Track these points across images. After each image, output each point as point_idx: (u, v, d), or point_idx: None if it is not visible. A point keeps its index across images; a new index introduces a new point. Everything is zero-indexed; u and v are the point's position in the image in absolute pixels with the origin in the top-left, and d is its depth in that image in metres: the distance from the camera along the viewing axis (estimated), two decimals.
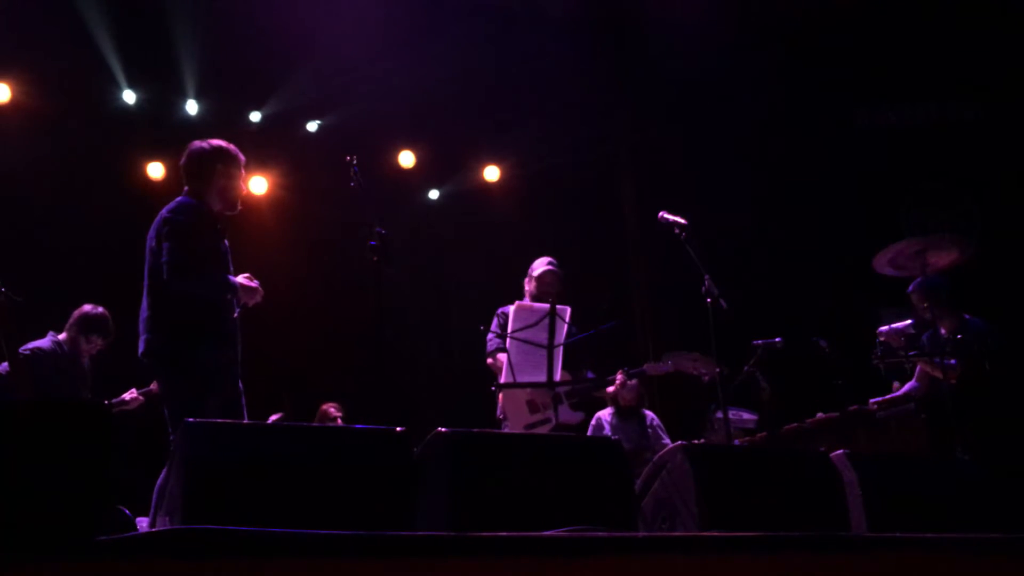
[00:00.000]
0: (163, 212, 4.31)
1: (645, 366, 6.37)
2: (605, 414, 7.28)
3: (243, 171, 4.54)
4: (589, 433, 7.03)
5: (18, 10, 7.53)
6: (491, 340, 5.98)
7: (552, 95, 8.87)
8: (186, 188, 4.45)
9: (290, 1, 8.13)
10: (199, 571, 2.16)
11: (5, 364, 5.44)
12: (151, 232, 4.29)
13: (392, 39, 8.29)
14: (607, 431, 7.11)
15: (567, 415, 5.68)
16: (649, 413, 7.29)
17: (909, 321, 5.61)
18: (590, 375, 5.49)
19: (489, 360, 5.96)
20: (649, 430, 7.13)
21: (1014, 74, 8.91)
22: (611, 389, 5.73)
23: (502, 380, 5.45)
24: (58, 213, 7.82)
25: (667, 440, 7.13)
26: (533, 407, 5.67)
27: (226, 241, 4.48)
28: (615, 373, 6.25)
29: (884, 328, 5.76)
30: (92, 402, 4.72)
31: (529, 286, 6.10)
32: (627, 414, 7.19)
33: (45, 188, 7.79)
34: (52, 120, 7.85)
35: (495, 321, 6.04)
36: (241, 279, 4.30)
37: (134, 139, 8.40)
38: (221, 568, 2.18)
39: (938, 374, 5.45)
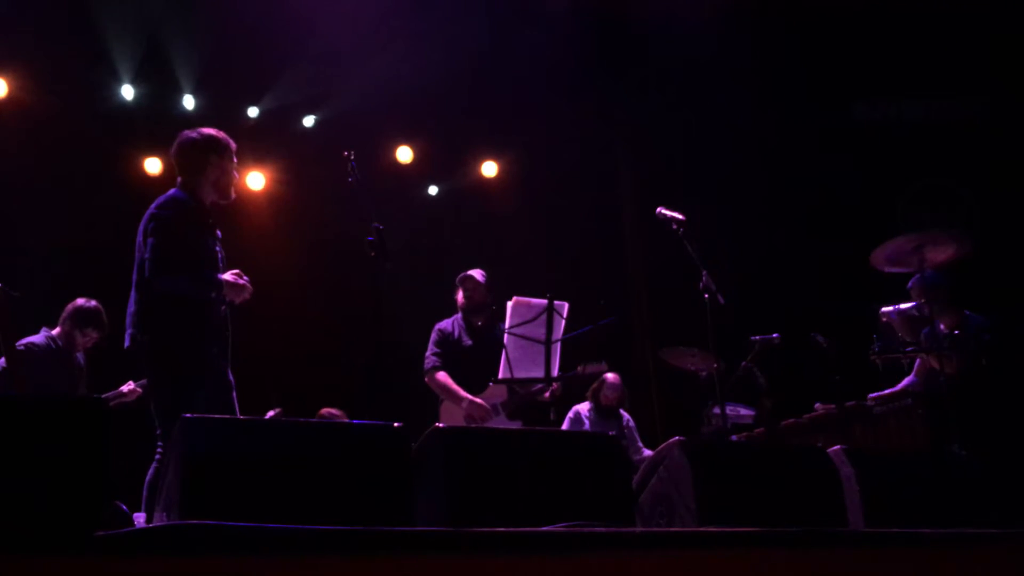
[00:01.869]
0: (151, 207, 4.28)
1: (578, 368, 6.12)
2: (583, 408, 7.27)
3: (235, 158, 4.51)
4: (565, 425, 7.03)
5: (15, 5, 7.51)
6: (428, 358, 5.94)
7: (550, 89, 8.86)
8: (179, 180, 4.43)
9: None
10: (197, 567, 2.16)
11: (2, 360, 5.43)
12: (140, 227, 4.28)
13: (389, 33, 8.28)
14: (586, 426, 7.13)
15: (504, 425, 5.69)
16: (626, 415, 7.31)
17: (913, 303, 5.58)
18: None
19: (427, 379, 5.92)
20: (626, 431, 7.15)
21: (1013, 71, 8.91)
22: (548, 396, 5.72)
23: (500, 376, 5.46)
24: (55, 208, 7.80)
25: (640, 444, 7.18)
26: (471, 420, 5.73)
27: (219, 232, 4.45)
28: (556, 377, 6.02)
29: (888, 308, 5.72)
30: (89, 398, 4.73)
31: (457, 296, 6.02)
32: (607, 413, 7.19)
33: (42, 183, 7.77)
34: (49, 115, 7.83)
35: (433, 337, 5.98)
36: (228, 276, 4.26)
37: (132, 134, 8.39)
38: (219, 564, 2.18)
39: (935, 363, 5.44)
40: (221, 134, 4.49)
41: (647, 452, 6.94)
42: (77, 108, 8.08)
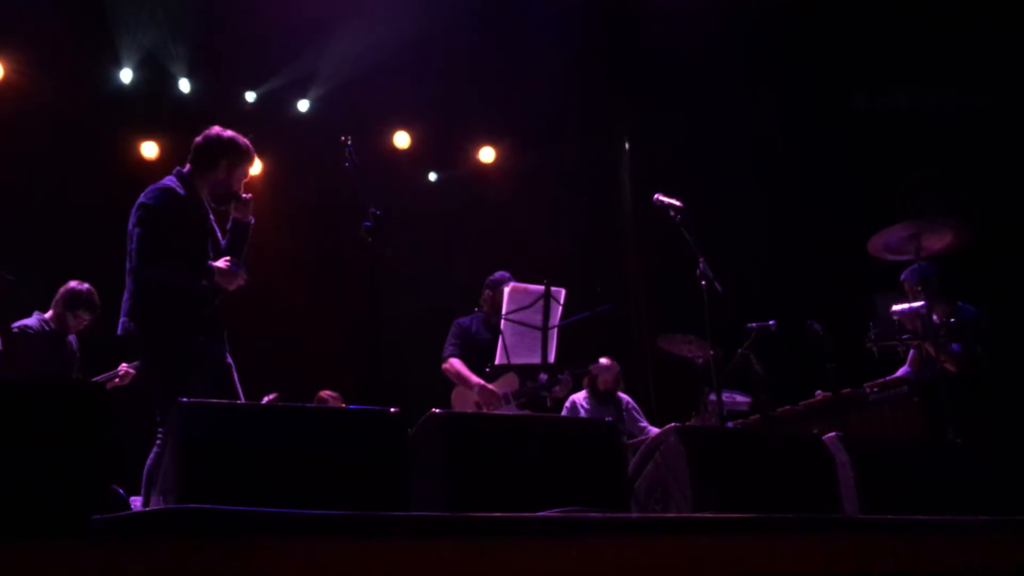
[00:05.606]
0: (140, 196, 4.24)
1: (590, 366, 6.62)
2: (579, 397, 7.27)
3: (246, 172, 4.45)
4: (563, 415, 7.06)
5: None
6: (446, 348, 6.09)
7: (550, 76, 8.83)
8: (186, 167, 4.40)
9: None
10: (194, 551, 2.16)
11: None
12: (130, 215, 4.24)
13: (388, 19, 8.24)
14: (582, 414, 7.14)
15: (512, 413, 5.72)
16: (624, 396, 7.32)
17: (923, 302, 5.58)
18: (543, 377, 5.58)
19: (443, 366, 6.04)
20: (625, 413, 7.16)
21: (1014, 63, 8.89)
22: (558, 389, 5.79)
23: (496, 362, 5.48)
24: (51, 192, 7.79)
25: (644, 422, 7.19)
26: (480, 406, 5.78)
27: (211, 216, 4.41)
28: (564, 372, 5.97)
29: (898, 308, 5.70)
30: (86, 382, 4.75)
31: (485, 295, 6.10)
32: (604, 398, 7.20)
33: (38, 167, 7.75)
34: (45, 99, 7.80)
35: (452, 330, 6.13)
36: (221, 263, 4.23)
37: (128, 118, 8.37)
38: (215, 548, 2.18)
39: (931, 351, 5.44)
40: (248, 145, 4.43)
41: (653, 430, 6.94)
42: (74, 92, 8.05)
